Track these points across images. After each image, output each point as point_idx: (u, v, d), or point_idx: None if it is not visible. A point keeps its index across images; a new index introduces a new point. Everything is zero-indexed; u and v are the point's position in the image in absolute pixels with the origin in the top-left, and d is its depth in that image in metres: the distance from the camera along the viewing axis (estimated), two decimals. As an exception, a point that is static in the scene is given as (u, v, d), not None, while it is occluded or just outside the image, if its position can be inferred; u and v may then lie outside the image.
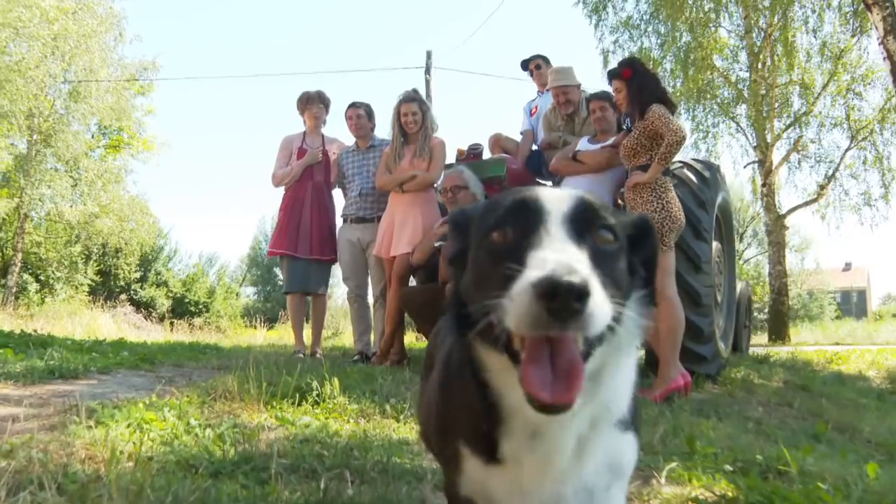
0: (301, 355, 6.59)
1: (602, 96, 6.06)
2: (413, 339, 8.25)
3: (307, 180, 6.82)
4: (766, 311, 22.23)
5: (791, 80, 18.24)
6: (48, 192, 22.82)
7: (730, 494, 2.10)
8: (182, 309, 29.15)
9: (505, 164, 6.75)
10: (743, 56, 18.70)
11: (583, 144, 5.97)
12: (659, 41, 18.45)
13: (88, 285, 26.81)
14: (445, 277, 5.41)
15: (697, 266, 5.50)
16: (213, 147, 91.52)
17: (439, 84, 24.16)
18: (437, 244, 5.69)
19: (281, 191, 7.05)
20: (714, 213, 6.03)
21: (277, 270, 46.23)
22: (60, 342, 5.81)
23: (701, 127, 19.24)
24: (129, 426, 2.37)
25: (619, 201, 5.69)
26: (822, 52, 17.94)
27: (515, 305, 0.92)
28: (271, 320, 27.47)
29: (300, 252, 6.70)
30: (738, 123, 19.18)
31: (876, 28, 8.88)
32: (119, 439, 2.15)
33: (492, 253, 1.07)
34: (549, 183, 6.67)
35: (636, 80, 5.21)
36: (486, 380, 1.12)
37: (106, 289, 27.64)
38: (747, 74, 18.48)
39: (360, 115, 6.81)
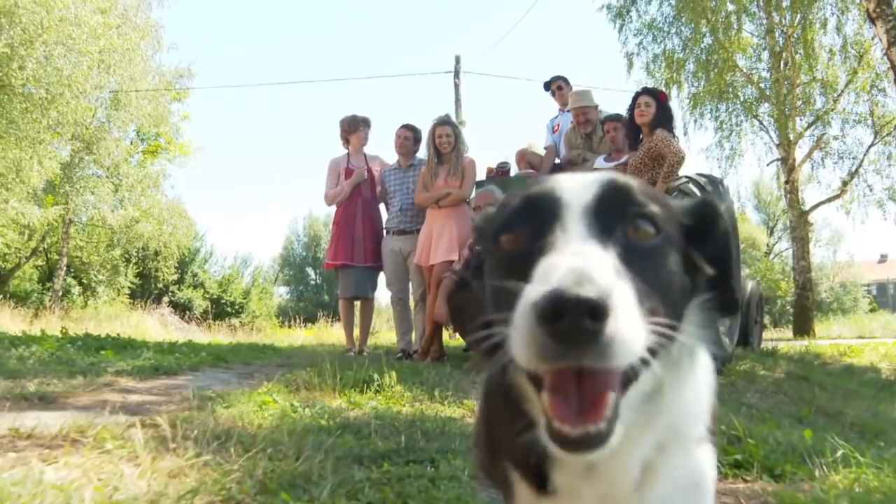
0: (351, 353, 7.50)
1: (615, 118, 6.93)
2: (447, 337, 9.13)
3: (356, 196, 7.72)
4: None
5: (814, 78, 18.83)
6: (91, 199, 24.07)
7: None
8: (219, 309, 30.17)
9: (529, 179, 7.60)
10: (765, 56, 19.34)
11: (599, 163, 6.82)
12: (681, 43, 19.15)
13: (129, 288, 28.11)
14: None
15: (701, 272, 6.31)
16: (243, 148, 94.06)
17: (468, 88, 24.88)
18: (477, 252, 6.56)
19: (332, 207, 7.99)
20: (717, 223, 6.83)
21: (310, 270, 47.62)
22: (142, 344, 6.78)
23: (724, 126, 19.94)
24: (252, 406, 3.28)
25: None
26: (844, 50, 18.52)
27: (517, 333, 0.78)
28: (307, 320, 28.51)
29: (356, 261, 7.60)
30: (761, 122, 19.83)
31: (880, 39, 9.61)
32: (253, 414, 3.07)
33: (501, 263, 0.95)
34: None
35: (665, 106, 6.10)
36: (527, 410, 0.99)
37: (146, 291, 28.90)
38: (769, 74, 19.12)
39: (408, 137, 7.68)
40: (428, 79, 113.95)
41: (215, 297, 31.38)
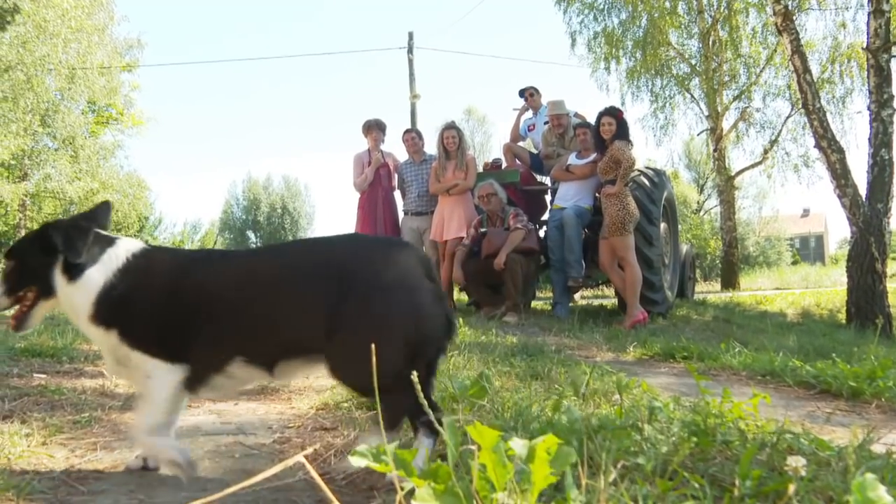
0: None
1: (585, 125, 9.39)
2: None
3: (377, 185, 10.02)
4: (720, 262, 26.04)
5: (738, 55, 21.73)
6: (52, 171, 25.49)
7: (649, 354, 5.52)
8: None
9: (518, 172, 10.08)
10: (695, 35, 22.15)
11: (572, 159, 9.28)
12: (620, 23, 21.80)
13: (84, 257, 29.50)
14: (488, 252, 8.66)
15: (650, 242, 8.89)
16: (187, 113, 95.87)
17: (422, 63, 26.87)
18: (482, 231, 8.96)
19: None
20: (661, 205, 9.41)
21: (250, 233, 49.35)
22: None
23: (659, 98, 22.81)
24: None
25: (599, 196, 9.03)
26: (765, 28, 21.39)
27: None
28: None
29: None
30: (692, 95, 22.72)
31: (786, 48, 12.27)
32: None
33: None
34: (547, 180, 10.06)
35: (621, 122, 8.56)
36: None
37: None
38: (699, 52, 21.96)
39: (414, 138, 10.00)
40: (382, 55, 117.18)
41: (167, 264, 32.90)
